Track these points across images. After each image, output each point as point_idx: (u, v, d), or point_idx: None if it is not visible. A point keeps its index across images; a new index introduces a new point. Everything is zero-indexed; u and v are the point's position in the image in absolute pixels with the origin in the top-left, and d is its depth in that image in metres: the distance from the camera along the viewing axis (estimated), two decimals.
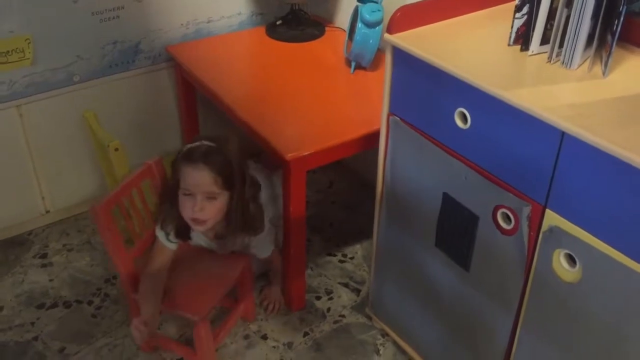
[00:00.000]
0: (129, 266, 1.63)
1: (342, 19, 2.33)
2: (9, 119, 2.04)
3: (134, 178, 1.64)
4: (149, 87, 2.29)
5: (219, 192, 1.54)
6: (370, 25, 1.96)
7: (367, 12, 1.96)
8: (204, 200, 1.53)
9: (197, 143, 1.56)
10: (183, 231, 1.64)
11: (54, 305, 1.96)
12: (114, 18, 2.10)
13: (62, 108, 2.09)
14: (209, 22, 2.31)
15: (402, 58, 1.40)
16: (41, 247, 2.19)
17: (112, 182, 1.93)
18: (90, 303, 1.96)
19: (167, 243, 1.65)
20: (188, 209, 1.54)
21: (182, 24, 2.25)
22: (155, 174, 1.69)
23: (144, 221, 1.72)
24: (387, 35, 1.40)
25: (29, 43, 1.96)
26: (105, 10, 2.07)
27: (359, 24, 1.99)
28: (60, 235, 2.23)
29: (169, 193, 1.59)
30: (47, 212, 2.26)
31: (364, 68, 2.07)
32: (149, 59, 2.24)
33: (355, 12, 2.03)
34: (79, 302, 1.97)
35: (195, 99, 2.32)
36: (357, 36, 1.99)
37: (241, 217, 1.60)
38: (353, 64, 2.07)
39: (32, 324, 1.90)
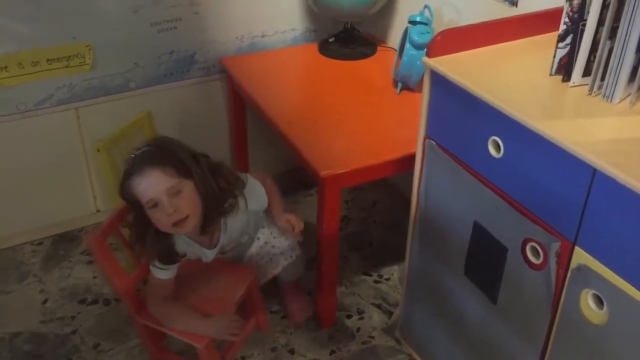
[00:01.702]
0: (132, 292, 1.64)
1: (395, 38, 2.33)
2: (67, 120, 2.14)
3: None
4: (202, 96, 2.35)
5: (179, 181, 1.45)
6: (418, 46, 1.95)
7: (416, 34, 1.96)
8: (172, 199, 1.43)
9: (131, 158, 1.49)
10: (172, 254, 1.59)
11: (95, 302, 2.04)
12: (171, 29, 2.17)
13: (117, 112, 2.17)
14: (263, 36, 2.36)
15: (440, 82, 1.39)
16: None
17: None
18: None
19: (163, 274, 1.60)
20: (163, 218, 1.45)
21: (237, 37, 2.31)
22: None
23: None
24: (425, 59, 1.40)
25: (90, 49, 2.06)
26: (164, 21, 2.15)
27: (407, 45, 1.98)
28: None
29: (141, 225, 1.52)
30: (98, 211, 2.35)
31: (411, 89, 2.06)
32: (203, 69, 2.30)
33: (405, 33, 2.03)
34: (118, 300, 2.04)
35: (244, 111, 2.37)
36: (405, 57, 1.98)
37: (218, 195, 1.52)
38: (399, 85, 2.06)
39: (72, 318, 1.98)
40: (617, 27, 1.16)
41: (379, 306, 2.04)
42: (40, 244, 2.28)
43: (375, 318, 1.99)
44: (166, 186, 1.43)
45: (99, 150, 1.88)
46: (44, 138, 2.13)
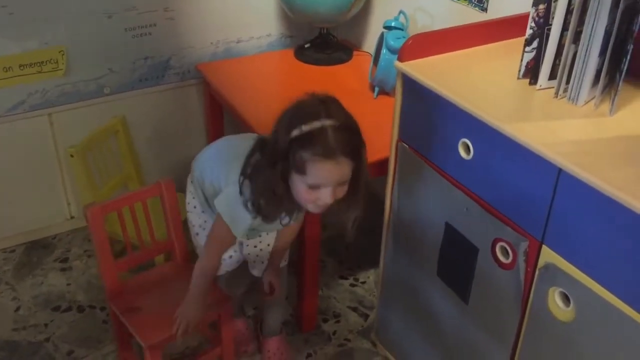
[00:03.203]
0: (113, 275, 1.62)
1: (370, 44, 2.35)
2: (41, 126, 2.13)
3: (140, 192, 1.66)
4: (177, 101, 2.35)
5: (350, 176, 1.31)
6: (394, 51, 1.97)
7: (392, 39, 1.98)
8: (336, 188, 1.29)
9: (318, 125, 1.24)
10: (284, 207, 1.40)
11: (68, 309, 2.02)
12: (146, 34, 2.17)
13: (91, 118, 2.16)
14: (238, 42, 2.36)
15: (411, 86, 1.41)
16: (63, 251, 2.26)
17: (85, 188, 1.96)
18: (102, 309, 2.01)
19: (240, 232, 1.43)
20: (310, 197, 1.30)
21: (212, 43, 2.31)
22: (164, 194, 1.67)
23: (142, 237, 1.70)
24: (397, 63, 1.42)
25: (63, 54, 2.05)
26: (138, 26, 2.15)
27: (384, 50, 2.01)
28: (82, 241, 2.30)
29: (270, 173, 1.31)
30: (72, 217, 2.33)
31: (387, 94, 2.08)
32: (178, 74, 2.30)
33: (381, 38, 2.05)
34: (92, 307, 2.02)
35: (222, 115, 2.37)
36: (381, 62, 2.01)
37: (365, 181, 1.36)
38: (376, 89, 2.08)
39: (46, 325, 1.95)
40: (581, 32, 1.19)
41: (355, 309, 2.05)
42: (13, 251, 2.25)
43: (352, 321, 2.00)
44: (342, 180, 1.29)
45: (72, 156, 1.87)
46: (17, 144, 2.11)
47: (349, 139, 1.27)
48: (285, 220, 1.47)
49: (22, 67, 2.01)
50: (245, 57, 2.38)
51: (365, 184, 1.37)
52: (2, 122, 2.06)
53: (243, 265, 1.72)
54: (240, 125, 2.01)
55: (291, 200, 1.35)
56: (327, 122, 1.25)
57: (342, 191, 1.32)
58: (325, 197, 1.29)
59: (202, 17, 2.24)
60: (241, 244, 1.66)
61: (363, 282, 2.16)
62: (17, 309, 2.01)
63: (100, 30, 2.08)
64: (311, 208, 1.35)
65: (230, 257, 1.65)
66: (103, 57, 2.13)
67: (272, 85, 2.25)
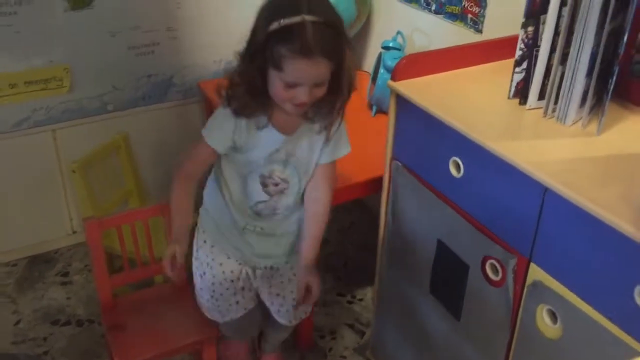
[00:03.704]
0: (107, 290, 1.63)
1: (369, 63, 2.38)
2: (44, 142, 2.17)
3: (141, 211, 1.67)
4: (180, 119, 2.39)
5: (329, 76, 1.27)
6: (391, 71, 2.00)
7: (390, 59, 2.01)
8: (313, 89, 1.26)
9: (297, 19, 1.19)
10: (253, 105, 1.33)
11: (68, 323, 2.04)
12: (149, 53, 2.22)
13: (95, 134, 2.20)
14: None
15: (404, 105, 1.43)
16: (64, 265, 2.29)
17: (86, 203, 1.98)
18: (101, 324, 2.03)
19: (215, 141, 1.37)
20: (286, 95, 1.27)
21: (214, 61, 2.35)
22: (167, 215, 1.62)
23: (141, 255, 1.70)
24: (390, 82, 1.45)
25: (67, 72, 2.09)
26: (142, 45, 2.19)
27: (381, 70, 2.04)
28: (83, 255, 2.32)
29: (249, 69, 1.27)
30: (74, 232, 2.36)
31: (384, 112, 2.11)
32: (180, 92, 2.34)
33: (379, 58, 2.08)
34: (90, 321, 2.04)
35: None
36: (379, 81, 2.04)
37: (348, 83, 1.32)
38: (374, 108, 2.11)
39: (45, 339, 1.97)
40: (568, 53, 1.21)
41: (351, 326, 2.05)
42: (15, 265, 2.28)
43: (348, 338, 2.01)
44: (320, 80, 1.26)
45: (74, 171, 1.90)
46: (21, 160, 2.15)
47: (330, 37, 1.23)
48: (266, 124, 1.37)
49: (27, 84, 2.05)
50: None
51: (349, 85, 1.33)
52: (7, 138, 2.10)
53: (253, 310, 1.66)
54: None
55: (267, 97, 1.30)
56: (308, 18, 1.20)
57: (320, 91, 1.28)
58: (302, 95, 1.26)
59: (205, 36, 2.29)
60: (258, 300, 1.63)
61: (360, 299, 2.17)
62: (17, 322, 2.03)
63: (104, 48, 2.13)
64: (288, 108, 1.31)
65: (237, 302, 1.59)
66: (107, 75, 2.18)
67: None
